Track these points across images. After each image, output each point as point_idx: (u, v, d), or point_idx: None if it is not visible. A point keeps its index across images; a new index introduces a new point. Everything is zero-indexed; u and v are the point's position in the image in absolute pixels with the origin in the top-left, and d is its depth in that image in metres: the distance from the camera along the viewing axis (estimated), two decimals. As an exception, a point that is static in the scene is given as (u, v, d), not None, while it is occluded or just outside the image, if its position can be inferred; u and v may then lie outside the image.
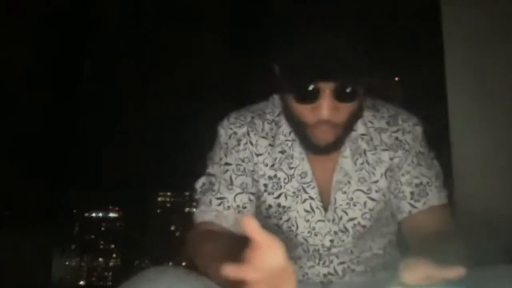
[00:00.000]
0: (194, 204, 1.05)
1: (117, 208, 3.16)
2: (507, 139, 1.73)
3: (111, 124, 2.69)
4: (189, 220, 1.04)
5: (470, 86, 1.80)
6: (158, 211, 3.14)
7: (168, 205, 3.19)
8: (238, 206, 0.99)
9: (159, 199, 3.17)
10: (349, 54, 0.89)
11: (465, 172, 1.73)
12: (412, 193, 1.01)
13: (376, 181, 1.03)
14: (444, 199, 1.01)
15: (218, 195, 0.99)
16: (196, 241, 0.97)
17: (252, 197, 1.01)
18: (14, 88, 2.32)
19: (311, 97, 0.91)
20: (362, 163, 1.04)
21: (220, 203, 0.99)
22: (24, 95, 2.40)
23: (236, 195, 1.00)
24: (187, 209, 3.06)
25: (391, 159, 1.04)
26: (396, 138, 1.05)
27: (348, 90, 0.90)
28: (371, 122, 1.06)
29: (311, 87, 0.89)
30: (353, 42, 0.90)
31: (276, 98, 1.08)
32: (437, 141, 1.11)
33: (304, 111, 0.92)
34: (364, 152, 1.04)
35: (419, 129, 1.06)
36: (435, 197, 1.00)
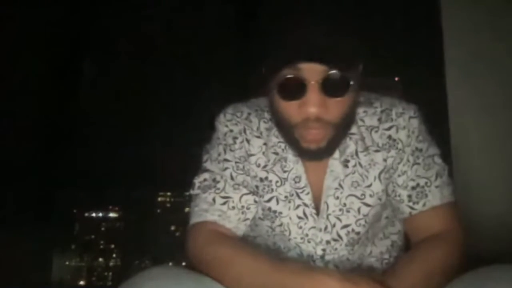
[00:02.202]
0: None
1: (117, 208, 3.15)
2: (507, 138, 1.73)
3: (111, 124, 2.69)
4: (189, 220, 1.02)
5: (470, 86, 1.79)
6: (158, 211, 3.14)
7: (168, 205, 3.18)
8: (242, 207, 0.95)
9: (159, 199, 3.16)
10: (335, 38, 0.81)
11: (465, 172, 1.73)
12: (409, 196, 0.96)
13: (369, 185, 0.96)
14: (448, 197, 0.96)
15: (223, 194, 0.95)
16: (208, 245, 0.91)
17: (256, 199, 0.97)
18: (13, 88, 2.32)
19: (297, 91, 0.83)
20: (354, 166, 0.97)
21: (225, 202, 0.95)
22: (23, 94, 2.40)
23: (242, 195, 0.96)
24: (187, 209, 3.05)
25: (385, 160, 0.97)
26: (389, 137, 0.97)
27: (336, 82, 0.82)
28: (362, 120, 0.99)
29: (295, 74, 0.82)
30: (342, 28, 0.83)
31: None
32: (437, 141, 1.06)
33: (290, 109, 0.85)
34: (356, 153, 0.97)
35: (415, 123, 0.97)
36: (435, 197, 0.95)
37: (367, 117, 0.99)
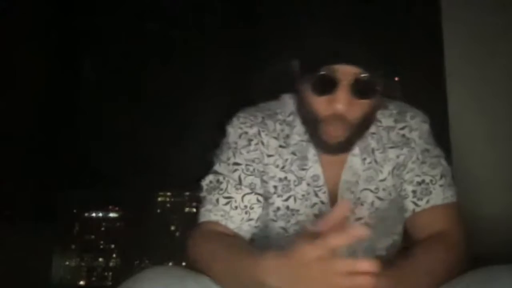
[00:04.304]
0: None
1: (117, 208, 3.15)
2: (507, 138, 1.73)
3: (111, 124, 2.69)
4: (189, 220, 1.03)
5: (470, 86, 1.79)
6: (158, 211, 3.14)
7: (168, 205, 3.18)
8: (245, 207, 0.98)
9: (159, 199, 3.16)
10: (367, 44, 0.89)
11: (465, 172, 1.73)
12: (414, 192, 1.00)
13: (383, 180, 1.02)
14: (451, 198, 1.00)
15: (226, 194, 0.98)
16: (201, 242, 0.95)
17: (260, 198, 0.99)
18: (11, 87, 2.32)
19: (329, 87, 0.89)
20: (370, 162, 1.02)
21: (228, 203, 0.97)
22: (22, 93, 2.40)
23: (244, 195, 0.98)
24: (187, 209, 3.05)
25: (398, 156, 1.03)
26: (403, 136, 1.04)
27: (365, 85, 0.89)
28: (379, 121, 1.05)
29: (329, 72, 0.88)
30: (372, 34, 0.91)
31: (286, 98, 1.08)
32: (437, 141, 1.09)
33: (319, 103, 0.92)
34: (373, 151, 1.03)
35: (425, 127, 1.06)
36: (438, 196, 0.99)
37: (384, 118, 1.06)
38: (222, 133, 1.09)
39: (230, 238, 0.95)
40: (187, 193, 3.04)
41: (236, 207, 0.97)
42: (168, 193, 3.16)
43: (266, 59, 2.37)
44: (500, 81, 1.78)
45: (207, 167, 1.07)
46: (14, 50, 2.35)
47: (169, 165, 2.57)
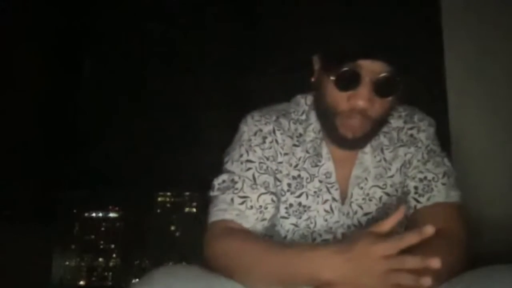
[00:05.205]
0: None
1: (117, 208, 3.15)
2: (507, 139, 1.73)
3: (111, 124, 2.69)
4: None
5: (470, 86, 1.79)
6: (158, 211, 3.14)
7: (168, 205, 3.18)
8: (260, 207, 0.98)
9: (159, 199, 3.16)
10: (392, 43, 0.92)
11: (465, 172, 1.73)
12: (416, 188, 1.02)
13: (391, 176, 1.05)
14: (454, 198, 1.00)
15: (241, 194, 0.97)
16: (225, 238, 0.93)
17: (274, 198, 0.99)
18: (11, 87, 2.32)
19: (352, 83, 0.91)
20: (379, 161, 1.05)
21: (243, 202, 0.97)
22: (22, 94, 2.40)
23: (260, 195, 0.98)
24: (187, 209, 3.05)
25: (405, 154, 1.05)
26: (411, 135, 1.07)
27: (387, 83, 0.90)
28: (389, 122, 1.07)
29: (353, 68, 0.89)
30: (394, 35, 0.94)
31: (298, 98, 1.10)
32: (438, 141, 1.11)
33: (340, 98, 0.93)
34: (382, 149, 1.06)
35: (432, 130, 1.08)
36: (440, 193, 1.00)
37: (393, 119, 1.08)
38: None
39: (256, 235, 0.95)
40: (187, 193, 3.04)
41: (251, 207, 0.96)
42: (168, 193, 3.16)
43: (266, 59, 2.37)
44: (500, 81, 1.78)
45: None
46: (14, 50, 2.35)
47: (169, 166, 2.57)
